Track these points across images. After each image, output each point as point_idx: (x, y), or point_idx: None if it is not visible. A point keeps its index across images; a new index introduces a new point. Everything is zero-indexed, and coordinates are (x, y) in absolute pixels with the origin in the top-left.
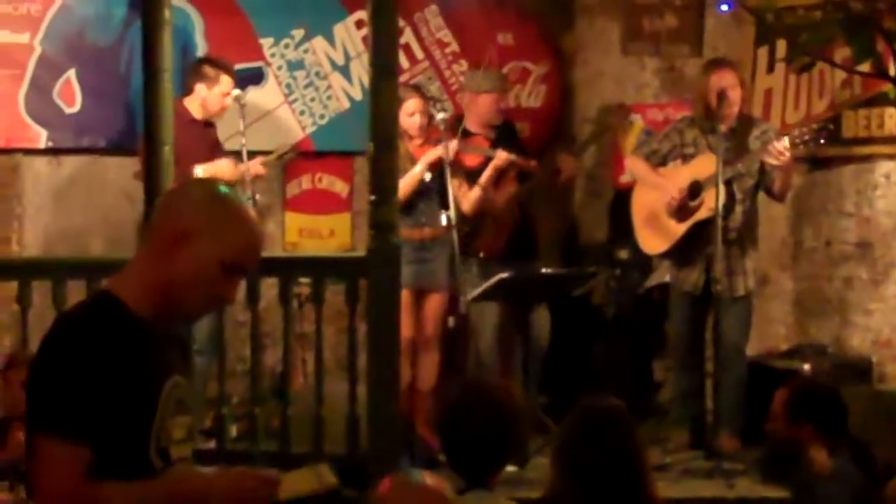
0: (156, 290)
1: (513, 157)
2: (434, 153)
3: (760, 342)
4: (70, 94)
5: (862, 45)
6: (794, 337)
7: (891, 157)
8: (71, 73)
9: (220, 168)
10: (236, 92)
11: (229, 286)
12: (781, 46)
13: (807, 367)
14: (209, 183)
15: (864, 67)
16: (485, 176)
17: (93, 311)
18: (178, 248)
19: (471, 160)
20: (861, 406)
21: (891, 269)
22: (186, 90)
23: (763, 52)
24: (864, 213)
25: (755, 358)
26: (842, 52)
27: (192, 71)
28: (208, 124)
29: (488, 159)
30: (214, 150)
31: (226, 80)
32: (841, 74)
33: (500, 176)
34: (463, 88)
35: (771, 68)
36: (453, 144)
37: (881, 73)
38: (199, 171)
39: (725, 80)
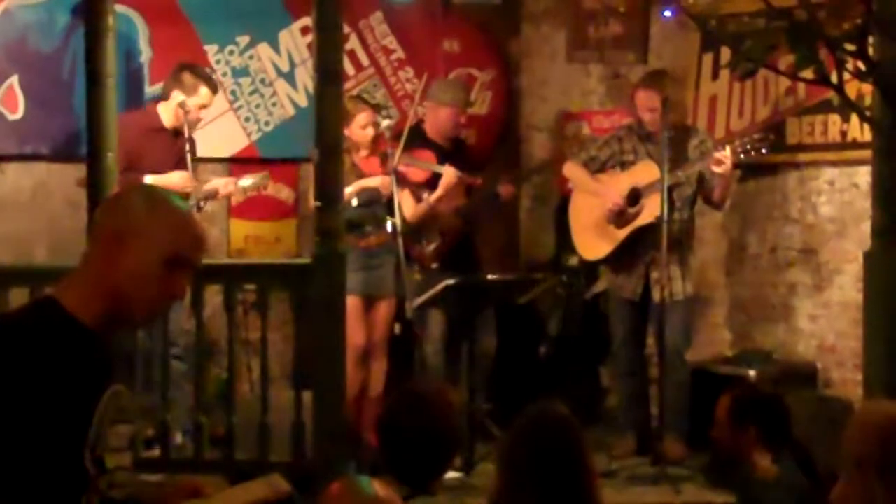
0: (102, 294)
1: (461, 174)
2: (370, 182)
3: (706, 348)
4: (13, 101)
5: (804, 53)
6: (739, 343)
7: (835, 163)
8: (13, 80)
9: (169, 179)
10: (180, 98)
11: (176, 282)
12: (726, 53)
13: (752, 372)
14: (146, 186)
15: (808, 74)
16: (435, 195)
17: (30, 315)
18: (118, 250)
19: (417, 174)
20: (806, 411)
21: (835, 275)
22: (164, 95)
23: (708, 59)
24: (808, 220)
25: (701, 364)
26: (786, 60)
27: (171, 76)
28: (177, 133)
29: (435, 174)
30: (181, 162)
31: (204, 92)
32: (785, 81)
33: (468, 188)
34: (426, 94)
35: (716, 75)
36: (388, 181)
37: (824, 80)
38: (148, 179)
39: (651, 101)
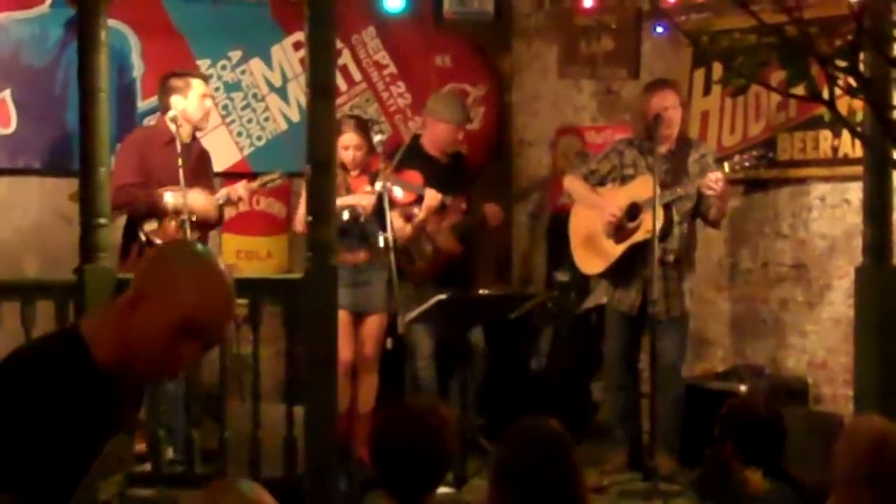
0: (116, 344)
1: (440, 197)
2: (350, 200)
3: (697, 363)
4: (5, 116)
5: (796, 69)
6: (730, 358)
7: (826, 179)
8: (6, 94)
9: (193, 201)
10: (172, 113)
11: (187, 350)
12: (718, 69)
13: (743, 388)
14: (191, 246)
15: (799, 90)
16: (419, 218)
17: (56, 356)
18: (138, 305)
19: (403, 197)
20: (797, 427)
21: (826, 290)
22: (163, 109)
23: (699, 74)
24: (799, 236)
25: (692, 379)
26: (778, 75)
27: (161, 90)
28: (193, 139)
29: (419, 196)
30: (197, 173)
31: (197, 83)
32: (777, 97)
33: (442, 206)
34: (425, 108)
35: (707, 91)
36: (367, 199)
37: (815, 96)
38: (170, 196)
39: (667, 101)
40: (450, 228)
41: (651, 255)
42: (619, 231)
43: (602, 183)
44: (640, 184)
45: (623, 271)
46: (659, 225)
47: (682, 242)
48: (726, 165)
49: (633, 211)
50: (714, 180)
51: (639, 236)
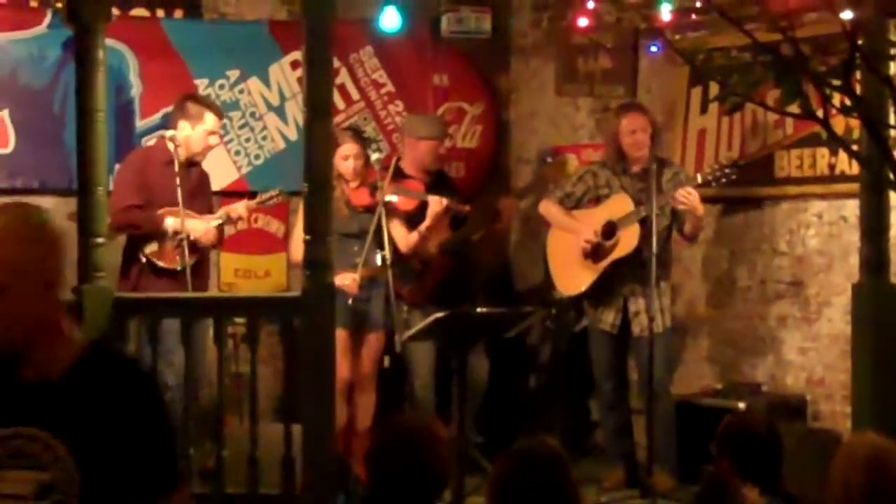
0: None
1: (447, 201)
2: (342, 279)
3: (695, 381)
4: (3, 136)
5: (790, 87)
6: (728, 376)
7: (823, 196)
8: (4, 114)
9: (191, 226)
10: (170, 133)
11: None
12: (714, 87)
13: (741, 405)
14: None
15: (794, 109)
16: (425, 224)
17: None
18: None
19: (404, 204)
20: (795, 444)
21: (824, 307)
22: (170, 127)
23: (696, 92)
24: (797, 252)
25: (690, 396)
26: (774, 93)
27: (176, 107)
28: (192, 164)
29: (422, 203)
30: (196, 194)
31: (210, 119)
32: (774, 115)
33: (447, 211)
34: (401, 131)
35: (704, 109)
36: (387, 191)
37: (809, 114)
38: (170, 221)
39: (636, 123)
40: (438, 246)
41: (641, 270)
42: (596, 251)
43: (578, 205)
44: (615, 202)
45: (602, 290)
46: (635, 242)
47: (659, 260)
48: (699, 177)
49: (609, 229)
50: (685, 193)
51: (616, 254)
